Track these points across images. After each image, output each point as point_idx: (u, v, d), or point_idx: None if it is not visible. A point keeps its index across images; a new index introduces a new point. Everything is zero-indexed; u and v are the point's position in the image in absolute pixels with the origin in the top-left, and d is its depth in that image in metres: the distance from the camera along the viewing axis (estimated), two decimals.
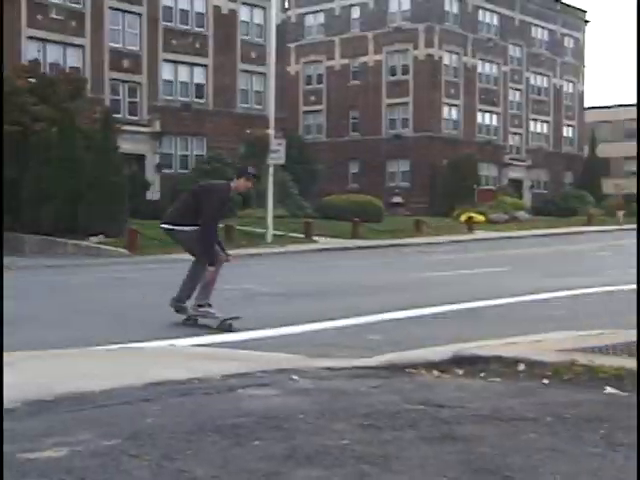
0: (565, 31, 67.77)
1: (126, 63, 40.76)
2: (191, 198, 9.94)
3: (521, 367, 5.78)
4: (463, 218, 43.03)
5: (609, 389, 5.17)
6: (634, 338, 6.95)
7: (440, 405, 4.73)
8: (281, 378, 5.74)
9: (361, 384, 5.48)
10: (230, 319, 9.34)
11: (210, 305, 9.70)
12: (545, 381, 5.48)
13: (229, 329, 9.17)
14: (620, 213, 51.03)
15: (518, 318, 10.38)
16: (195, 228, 9.64)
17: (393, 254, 27.68)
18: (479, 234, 38.62)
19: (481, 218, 44.74)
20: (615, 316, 10.24)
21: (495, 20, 61.26)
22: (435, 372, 5.94)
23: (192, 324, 9.70)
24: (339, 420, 4.34)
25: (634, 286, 14.85)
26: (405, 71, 57.18)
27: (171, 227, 9.90)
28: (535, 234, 39.28)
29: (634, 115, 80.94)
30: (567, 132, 68.69)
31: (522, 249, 28.58)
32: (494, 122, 60.88)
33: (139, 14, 41.26)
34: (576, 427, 4.15)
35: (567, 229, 43.11)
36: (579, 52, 69.61)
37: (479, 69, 59.82)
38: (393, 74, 57.76)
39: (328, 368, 6.28)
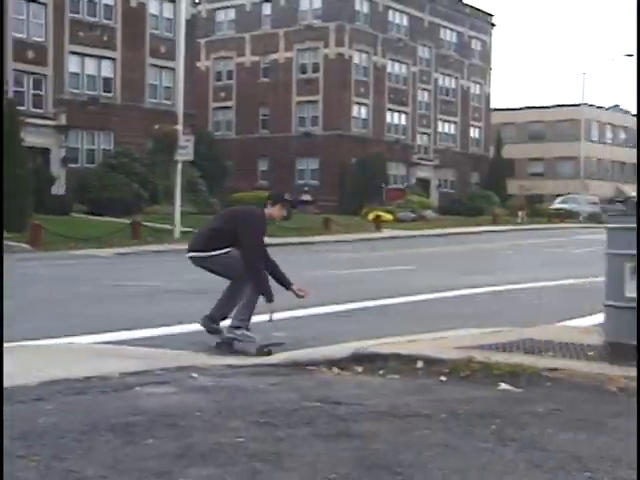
0: (473, 34, 68.99)
1: (31, 54, 39.80)
2: (224, 223, 9.00)
3: (419, 364, 5.86)
4: (371, 217, 43.38)
5: (503, 385, 5.28)
6: (530, 335, 7.13)
7: (337, 402, 4.76)
8: (181, 376, 5.69)
9: (260, 382, 5.47)
10: (271, 345, 8.19)
11: (249, 329, 8.60)
12: (442, 378, 5.56)
13: (269, 354, 7.84)
14: (521, 213, 52.27)
15: (423, 316, 10.51)
16: (227, 250, 8.75)
17: (301, 252, 27.73)
18: (387, 233, 38.98)
19: (389, 217, 45.16)
20: (516, 314, 10.49)
21: (405, 21, 61.95)
22: (335, 369, 5.98)
23: (227, 349, 8.36)
24: (236, 418, 4.33)
25: (536, 284, 15.28)
26: (315, 69, 57.38)
27: (202, 254, 8.81)
28: (442, 233, 39.85)
29: (538, 117, 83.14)
30: (474, 133, 69.96)
31: (429, 248, 28.96)
32: (403, 122, 61.57)
33: (44, 4, 40.31)
34: (468, 423, 4.22)
35: (473, 228, 43.87)
36: (486, 54, 70.94)
37: (389, 69, 60.41)
38: (303, 72, 57.89)
39: (229, 365, 6.26)
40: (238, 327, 8.51)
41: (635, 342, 6.47)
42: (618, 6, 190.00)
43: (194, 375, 5.69)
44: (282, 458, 3.53)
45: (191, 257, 8.99)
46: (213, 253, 8.77)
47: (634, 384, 5.09)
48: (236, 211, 9.37)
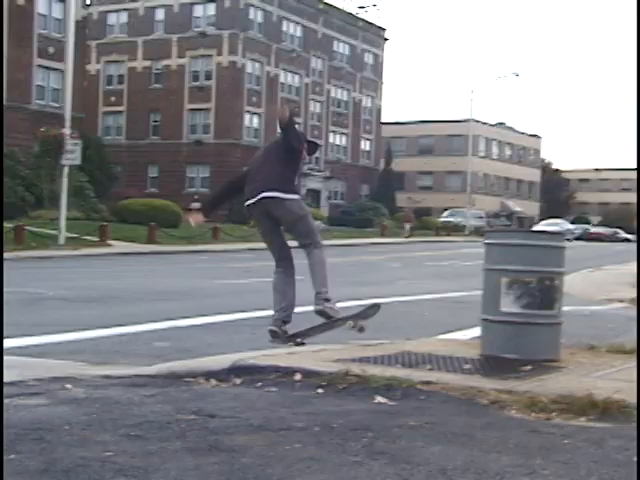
0: (365, 47, 69.94)
1: None
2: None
3: (298, 377, 5.85)
4: None
5: (379, 398, 5.32)
6: (410, 348, 7.22)
7: (212, 415, 4.71)
8: (54, 387, 5.54)
9: (136, 393, 5.37)
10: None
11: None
12: (320, 391, 5.57)
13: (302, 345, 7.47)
14: (408, 226, 53.12)
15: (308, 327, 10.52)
16: (296, 197, 7.64)
17: (189, 260, 27.50)
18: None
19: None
20: (400, 326, 10.63)
21: (299, 32, 62.35)
22: (213, 381, 5.92)
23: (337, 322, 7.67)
24: (106, 431, 4.23)
25: (421, 296, 15.53)
26: (208, 77, 57.15)
27: (278, 195, 7.43)
28: (331, 244, 40.04)
29: (427, 131, 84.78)
30: (365, 145, 70.90)
31: None
32: None
33: None
34: (341, 436, 4.24)
35: (362, 240, 44.38)
36: (378, 68, 72.05)
37: (281, 79, 60.68)
38: (196, 79, 57.58)
39: (105, 376, 6.12)
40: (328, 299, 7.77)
41: (510, 355, 6.66)
42: (506, 26, 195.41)
43: (68, 386, 5.55)
44: (149, 473, 3.46)
45: (265, 197, 7.48)
46: (289, 196, 7.54)
47: (505, 397, 5.22)
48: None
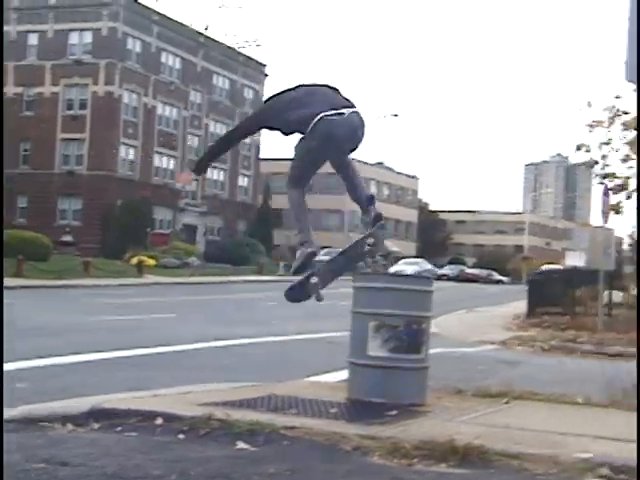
0: (245, 82, 70.07)
1: None
2: None
3: (159, 421, 5.67)
4: (134, 261, 42.64)
5: (241, 444, 5.19)
6: (278, 391, 7.11)
7: (64, 463, 4.48)
8: None
9: None
10: None
11: None
12: (181, 436, 5.40)
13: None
14: (282, 264, 52.94)
15: (178, 366, 10.32)
16: None
17: (58, 296, 26.71)
18: (150, 278, 38.43)
19: (152, 262, 44.59)
20: (273, 367, 10.53)
21: (178, 64, 61.99)
22: (70, 426, 5.67)
23: None
24: None
25: (297, 337, 15.45)
26: (83, 106, 56.09)
27: None
28: (206, 281, 39.79)
29: None
30: (243, 181, 70.78)
31: (191, 296, 28.76)
32: (172, 166, 61.31)
33: None
34: None
35: (238, 277, 44.17)
36: (258, 103, 71.97)
37: (159, 111, 60.11)
38: (70, 108, 56.41)
39: None
40: None
41: (376, 399, 6.64)
42: (386, 67, 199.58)
43: None
44: None
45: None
46: None
47: (368, 442, 5.17)
48: None
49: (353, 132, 7.00)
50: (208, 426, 5.52)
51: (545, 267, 49.78)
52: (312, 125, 6.87)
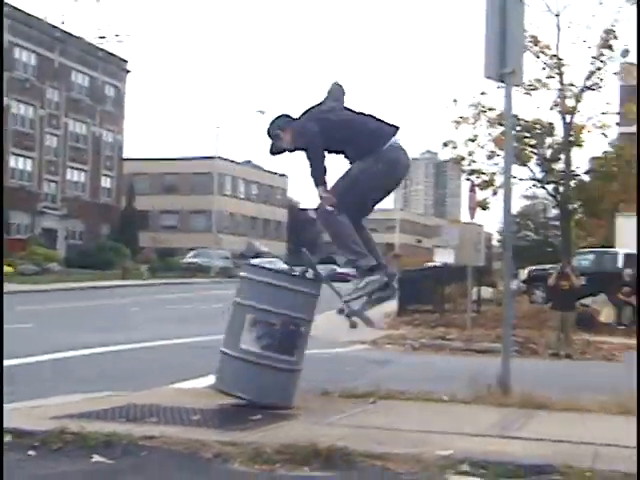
0: (106, 79, 68.13)
1: None
2: None
3: (7, 438, 5.36)
4: None
5: (97, 457, 4.97)
6: (138, 400, 6.88)
7: None
8: None
9: None
10: None
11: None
12: (32, 452, 5.12)
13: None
14: (144, 268, 51.84)
15: (35, 379, 9.91)
16: None
17: None
18: (7, 287, 37.00)
19: (9, 269, 42.92)
20: (135, 375, 10.25)
21: (33, 60, 59.76)
22: None
23: None
24: None
25: (157, 342, 15.13)
26: None
27: None
28: (67, 287, 38.55)
29: (172, 169, 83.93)
30: (105, 182, 68.94)
31: (52, 304, 27.82)
32: (28, 167, 59.16)
33: None
34: None
35: (101, 283, 43.01)
36: (119, 101, 70.48)
37: (14, 110, 57.85)
38: None
39: None
40: None
41: (240, 394, 6.52)
42: (252, 65, 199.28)
43: None
44: None
45: None
46: None
47: (229, 449, 5.04)
48: None
49: (408, 167, 6.84)
50: (61, 440, 5.26)
51: (428, 264, 50.12)
52: (382, 148, 6.51)
